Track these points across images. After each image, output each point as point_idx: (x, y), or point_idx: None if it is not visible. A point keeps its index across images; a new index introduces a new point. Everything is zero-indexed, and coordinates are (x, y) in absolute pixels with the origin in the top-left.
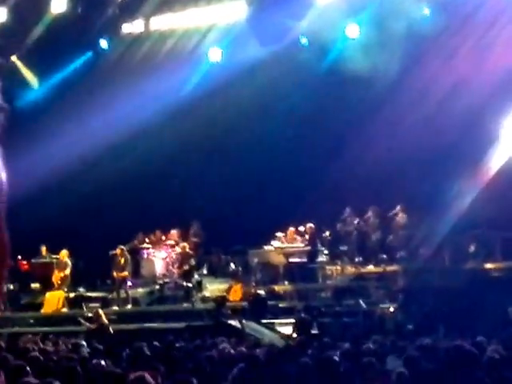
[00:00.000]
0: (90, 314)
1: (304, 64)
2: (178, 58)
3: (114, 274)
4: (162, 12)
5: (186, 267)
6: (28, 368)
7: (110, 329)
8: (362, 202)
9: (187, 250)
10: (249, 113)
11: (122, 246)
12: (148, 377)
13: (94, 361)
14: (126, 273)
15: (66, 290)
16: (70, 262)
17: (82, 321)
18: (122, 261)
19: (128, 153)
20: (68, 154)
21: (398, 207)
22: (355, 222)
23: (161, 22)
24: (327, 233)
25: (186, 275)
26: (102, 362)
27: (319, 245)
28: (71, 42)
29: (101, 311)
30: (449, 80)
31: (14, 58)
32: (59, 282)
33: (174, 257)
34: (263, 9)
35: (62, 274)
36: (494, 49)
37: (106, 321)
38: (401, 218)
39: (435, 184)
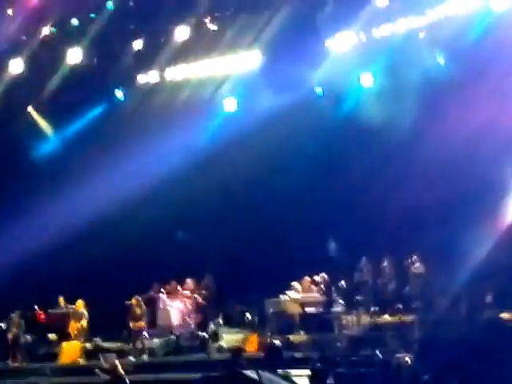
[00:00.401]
0: (106, 365)
1: (319, 114)
2: (194, 109)
3: (130, 324)
4: (176, 63)
5: (202, 317)
6: None
7: (127, 380)
8: (379, 251)
9: (203, 299)
10: (264, 164)
11: (138, 297)
12: None
13: None
14: (142, 323)
15: (82, 340)
16: (86, 313)
17: (99, 372)
18: (138, 311)
19: (145, 206)
20: (85, 206)
21: (415, 256)
22: (371, 271)
23: (176, 73)
24: (343, 282)
25: (202, 325)
26: None
27: (335, 295)
28: (87, 92)
29: (117, 362)
30: (465, 129)
31: (30, 109)
32: (76, 333)
33: (190, 307)
34: (277, 58)
35: (78, 325)
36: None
37: (122, 372)
38: (417, 267)
39: (452, 232)
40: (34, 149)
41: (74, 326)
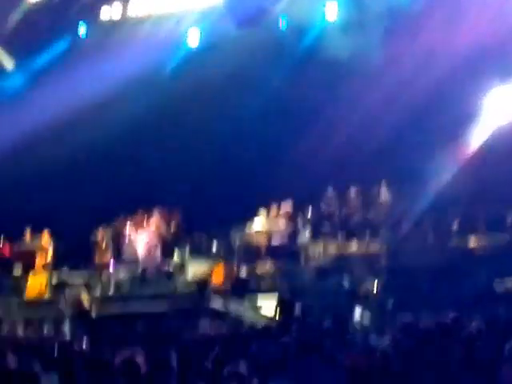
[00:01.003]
0: (72, 299)
1: (283, 46)
2: (156, 43)
3: (96, 257)
4: None
5: (168, 250)
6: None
7: (93, 313)
8: (344, 180)
9: (169, 231)
10: (226, 96)
11: (104, 230)
12: (135, 357)
13: (77, 345)
14: (107, 256)
15: (48, 274)
16: (51, 245)
17: (64, 305)
18: (104, 245)
19: (104, 129)
20: (39, 127)
21: (381, 185)
22: (337, 201)
23: (138, 7)
24: (309, 212)
25: (168, 258)
26: (87, 346)
27: (301, 225)
28: (49, 27)
29: (83, 296)
30: (427, 55)
31: None
32: (41, 266)
33: (156, 240)
34: None
35: (44, 258)
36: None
37: (88, 305)
38: (383, 195)
39: (417, 160)
40: None
41: (39, 260)
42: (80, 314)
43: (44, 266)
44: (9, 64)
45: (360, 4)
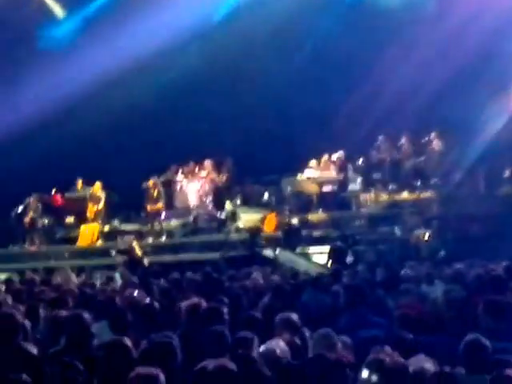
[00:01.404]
0: (124, 247)
1: None
2: None
3: (148, 206)
4: None
5: (220, 198)
6: (64, 300)
7: (145, 261)
8: (396, 128)
9: (220, 181)
10: (276, 48)
11: (155, 178)
12: (199, 302)
13: (131, 293)
14: (159, 205)
15: (100, 223)
16: (103, 195)
17: (116, 253)
18: (156, 193)
19: (156, 80)
20: (91, 80)
21: (433, 133)
22: (389, 149)
23: None
24: (360, 160)
25: (220, 206)
26: (139, 294)
27: (352, 173)
28: None
29: (135, 243)
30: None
31: None
32: (94, 216)
33: (208, 188)
34: None
35: (96, 208)
36: None
37: (139, 253)
38: (435, 143)
39: (469, 108)
40: (43, 34)
41: (91, 209)
42: (132, 262)
43: (96, 215)
44: (59, 12)
45: None
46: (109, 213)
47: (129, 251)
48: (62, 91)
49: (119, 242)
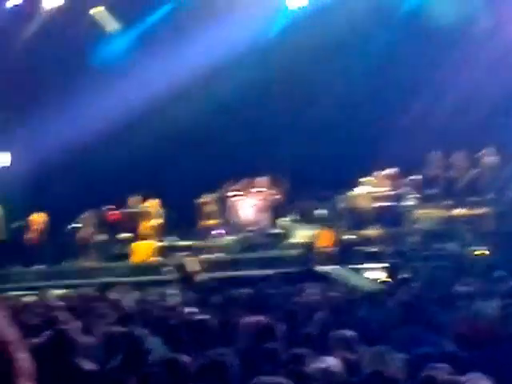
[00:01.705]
0: (179, 263)
1: (384, 11)
2: (261, 6)
3: (203, 222)
4: None
5: (275, 214)
6: (120, 317)
7: (200, 277)
8: (450, 143)
9: (275, 197)
10: (330, 61)
11: (210, 195)
12: (254, 318)
13: (185, 309)
14: (214, 221)
15: (155, 239)
16: (161, 212)
17: (171, 270)
18: (210, 209)
19: (212, 97)
20: (148, 96)
21: (487, 148)
22: (443, 164)
23: None
24: (415, 176)
25: (275, 222)
26: (193, 310)
27: (407, 188)
28: None
29: (190, 260)
30: None
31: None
32: (149, 232)
33: (263, 204)
34: None
35: (152, 224)
36: None
37: (194, 269)
38: (490, 159)
39: None
40: (96, 49)
41: (147, 225)
42: (186, 279)
43: (152, 231)
44: (113, 27)
45: None
46: (165, 229)
47: (184, 267)
48: (119, 107)
49: (174, 258)
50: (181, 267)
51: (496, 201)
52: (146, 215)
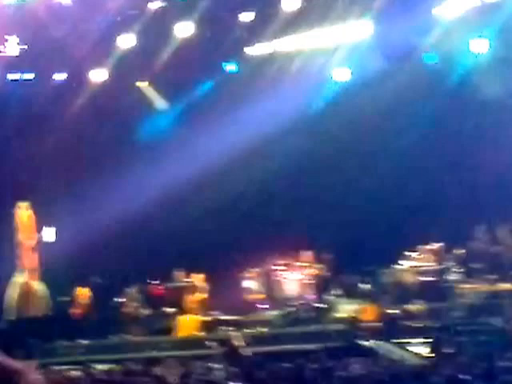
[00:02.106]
0: (223, 338)
1: (432, 82)
2: (306, 79)
3: (247, 297)
4: (286, 34)
5: (319, 289)
6: None
7: (245, 351)
8: (496, 218)
9: (320, 271)
10: (377, 133)
11: (254, 270)
12: None
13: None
14: (258, 295)
15: (200, 314)
16: (204, 286)
17: (217, 344)
18: (254, 284)
19: (252, 174)
20: (196, 171)
21: None
22: (488, 239)
23: (285, 44)
24: (460, 251)
25: (319, 297)
26: None
27: (451, 263)
28: (196, 66)
29: (235, 334)
30: None
31: (142, 84)
32: (194, 306)
33: (308, 279)
34: (389, 27)
35: (197, 298)
36: None
37: (239, 343)
38: None
39: None
40: (142, 125)
41: (192, 300)
42: (231, 353)
43: (196, 306)
44: (161, 105)
45: (509, 39)
46: (209, 304)
47: (228, 342)
48: (162, 183)
49: (219, 333)
50: (225, 342)
51: None
52: (190, 290)
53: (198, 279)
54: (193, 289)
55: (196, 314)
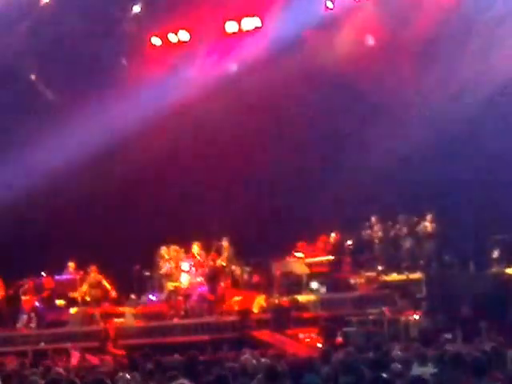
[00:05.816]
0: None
1: None
2: None
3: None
4: None
5: (210, 279)
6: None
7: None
8: (389, 209)
9: (214, 262)
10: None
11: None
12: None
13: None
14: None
15: (94, 305)
16: (100, 278)
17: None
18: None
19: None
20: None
21: (427, 215)
22: (380, 230)
23: None
24: (350, 242)
25: (210, 287)
26: (127, 376)
27: (342, 254)
28: None
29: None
30: None
31: None
32: (84, 298)
33: (198, 269)
34: None
35: (91, 290)
36: None
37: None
38: (428, 226)
39: (462, 193)
40: None
41: (83, 292)
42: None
43: (89, 297)
44: None
45: None
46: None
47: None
48: None
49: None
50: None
51: (429, 267)
52: (87, 281)
53: (92, 270)
54: (87, 280)
55: (90, 306)
